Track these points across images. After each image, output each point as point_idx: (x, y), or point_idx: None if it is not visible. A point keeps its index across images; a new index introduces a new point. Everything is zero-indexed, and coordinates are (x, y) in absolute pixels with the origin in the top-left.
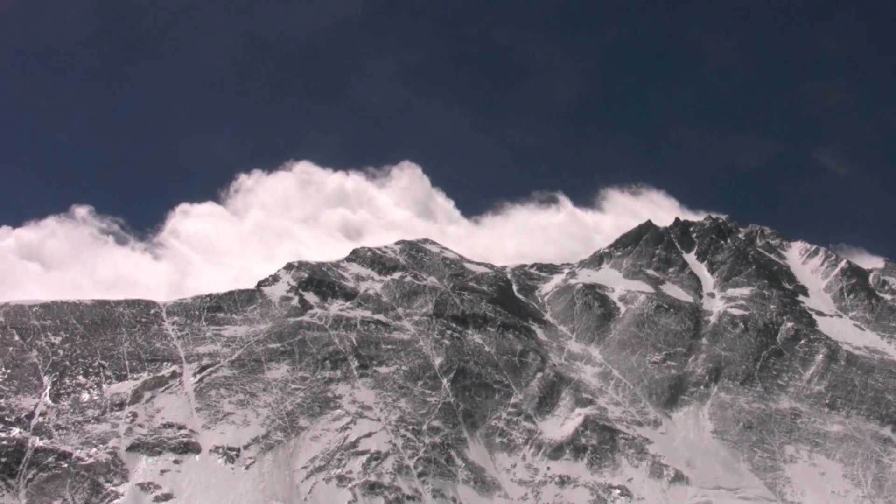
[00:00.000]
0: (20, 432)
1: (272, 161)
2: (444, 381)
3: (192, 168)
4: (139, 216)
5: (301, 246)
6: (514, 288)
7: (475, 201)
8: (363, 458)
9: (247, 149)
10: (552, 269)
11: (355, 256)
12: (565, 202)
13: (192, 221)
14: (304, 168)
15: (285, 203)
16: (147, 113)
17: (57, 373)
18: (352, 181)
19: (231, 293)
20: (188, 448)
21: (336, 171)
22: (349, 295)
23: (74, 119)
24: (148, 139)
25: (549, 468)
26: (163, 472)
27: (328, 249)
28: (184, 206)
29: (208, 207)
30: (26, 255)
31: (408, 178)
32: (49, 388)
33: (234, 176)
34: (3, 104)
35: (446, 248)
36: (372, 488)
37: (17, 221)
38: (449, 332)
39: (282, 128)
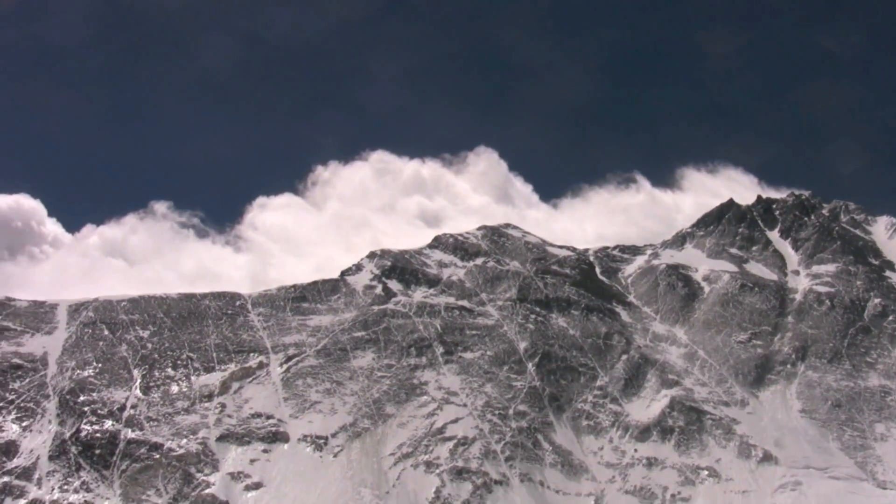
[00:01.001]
0: (113, 425)
1: (348, 152)
2: (530, 365)
3: (268, 162)
4: (217, 210)
5: (380, 234)
6: (597, 270)
7: (553, 185)
8: (450, 444)
9: (322, 141)
10: (634, 250)
11: (437, 243)
12: (643, 183)
13: (270, 214)
14: (379, 157)
15: (363, 192)
16: (221, 108)
17: (146, 366)
18: (428, 168)
19: (315, 283)
20: (277, 437)
21: (412, 158)
22: (432, 282)
23: (149, 118)
24: (222, 134)
25: (636, 450)
26: (252, 461)
27: (407, 237)
28: (261, 200)
29: (286, 199)
30: (110, 251)
31: (485, 163)
32: (139, 380)
33: (311, 168)
34: (82, 107)
35: (528, 233)
36: (459, 474)
37: (99, 219)
38: (533, 316)
39: (355, 119)
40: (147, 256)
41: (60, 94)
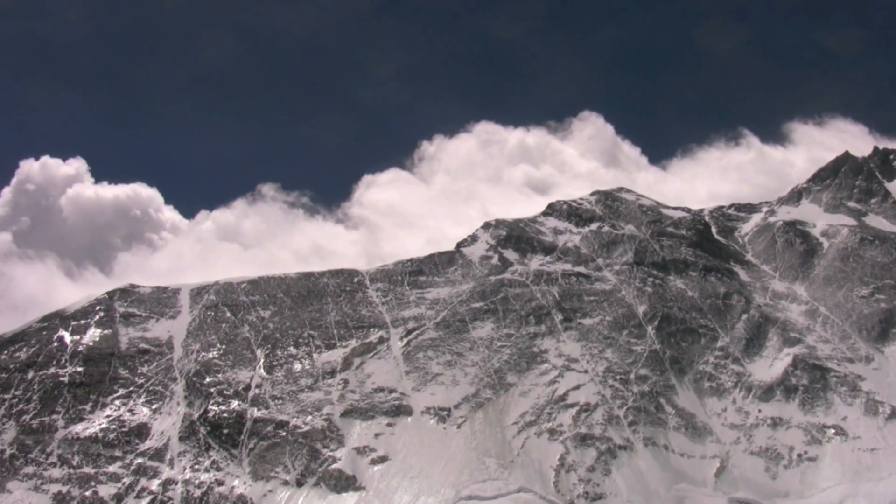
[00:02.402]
0: (239, 405)
1: (452, 126)
2: (649, 328)
3: (372, 140)
4: (324, 189)
5: (489, 205)
6: (713, 230)
7: (661, 146)
8: (573, 411)
9: (425, 117)
10: (750, 208)
11: (551, 210)
12: (752, 139)
13: (378, 190)
14: (483, 128)
15: (469, 164)
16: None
17: (269, 345)
18: (533, 137)
19: (431, 256)
20: (400, 411)
21: (516, 127)
22: (548, 249)
23: (250, 107)
24: (324, 115)
25: (760, 410)
26: (377, 435)
27: (516, 206)
28: (367, 178)
29: (392, 174)
30: (224, 235)
31: (591, 128)
32: (262, 360)
33: (416, 144)
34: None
35: (641, 196)
36: (583, 440)
37: (211, 205)
38: (650, 279)
39: (458, 92)
40: (260, 238)
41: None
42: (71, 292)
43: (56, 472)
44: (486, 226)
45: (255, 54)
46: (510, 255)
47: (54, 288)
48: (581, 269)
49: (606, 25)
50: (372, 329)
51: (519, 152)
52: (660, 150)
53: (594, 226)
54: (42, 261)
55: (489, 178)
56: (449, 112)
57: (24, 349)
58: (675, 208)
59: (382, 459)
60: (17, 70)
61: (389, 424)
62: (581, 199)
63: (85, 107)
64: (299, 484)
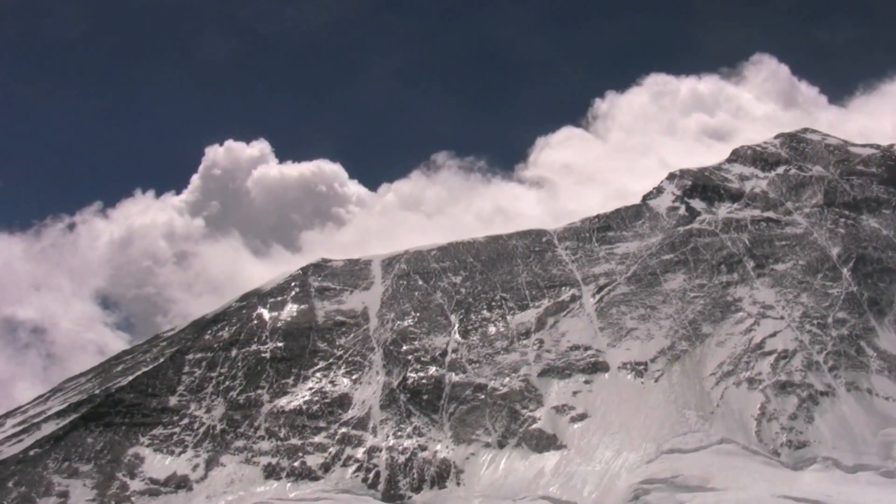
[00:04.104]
0: (436, 370)
1: (623, 80)
2: (844, 270)
3: (544, 100)
4: (498, 153)
5: (668, 156)
6: None
7: (840, 84)
8: (771, 359)
9: (597, 72)
10: None
11: (736, 156)
12: None
13: (553, 150)
14: (654, 80)
15: (643, 117)
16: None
17: (462, 310)
18: (705, 84)
19: (618, 211)
20: (597, 367)
21: (688, 76)
22: (735, 196)
23: (419, 74)
24: (491, 79)
25: None
26: (575, 393)
27: (696, 156)
28: (540, 141)
29: (566, 133)
30: (406, 206)
31: (765, 70)
32: (457, 325)
33: (588, 102)
34: (359, 73)
35: (827, 135)
36: (783, 388)
37: (390, 177)
38: (842, 220)
39: (626, 45)
40: (441, 205)
41: (352, 68)
42: (260, 271)
43: (265, 445)
44: (671, 176)
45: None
46: (697, 204)
47: (244, 268)
48: (770, 214)
49: None
50: (563, 287)
51: (692, 101)
52: (839, 88)
53: (781, 169)
54: (232, 242)
55: (664, 129)
56: (619, 67)
57: (226, 328)
58: (863, 145)
59: (582, 417)
60: (200, 61)
61: (587, 382)
62: (765, 142)
63: (266, 91)
64: (501, 445)
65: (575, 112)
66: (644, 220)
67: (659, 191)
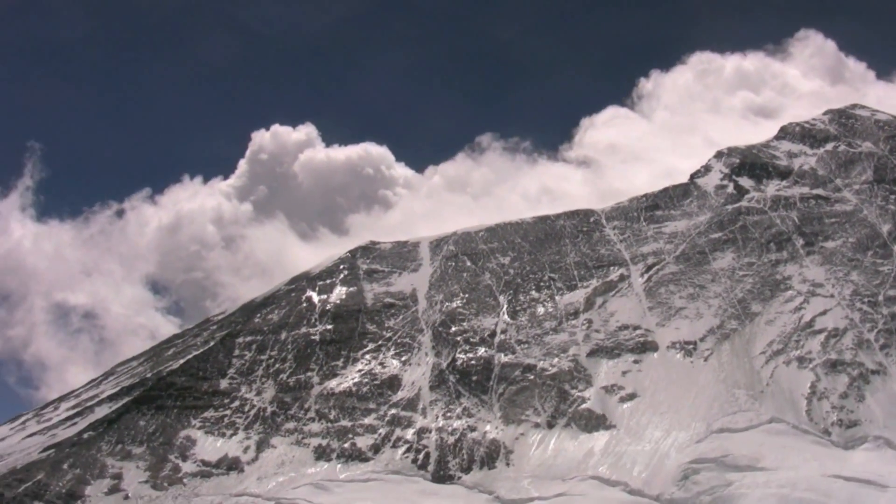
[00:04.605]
0: (485, 351)
1: (667, 59)
2: (895, 247)
3: (588, 80)
4: (542, 133)
5: (715, 134)
6: None
7: (889, 59)
8: (821, 337)
9: (641, 51)
10: None
11: (784, 133)
12: None
13: (598, 130)
14: (699, 58)
15: (688, 95)
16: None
17: (511, 291)
18: (750, 61)
19: (666, 190)
20: (646, 347)
21: (732, 53)
22: (783, 174)
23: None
24: (532, 61)
25: None
26: (624, 373)
27: (742, 133)
28: (584, 121)
29: (611, 112)
30: (452, 188)
31: (811, 46)
32: (505, 306)
33: (634, 82)
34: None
35: (877, 111)
36: (834, 366)
37: (436, 160)
38: (892, 196)
39: (669, 24)
40: (487, 187)
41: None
42: (307, 254)
43: (315, 427)
44: (719, 154)
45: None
46: (745, 182)
47: (291, 251)
48: (819, 191)
49: None
50: (612, 267)
51: (737, 78)
52: (888, 63)
53: (829, 146)
54: (278, 226)
55: (709, 107)
56: (663, 46)
57: (276, 311)
58: None
59: (631, 397)
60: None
61: (636, 361)
62: (813, 119)
63: (309, 75)
64: (550, 426)
65: (619, 92)
66: (692, 199)
67: (707, 169)
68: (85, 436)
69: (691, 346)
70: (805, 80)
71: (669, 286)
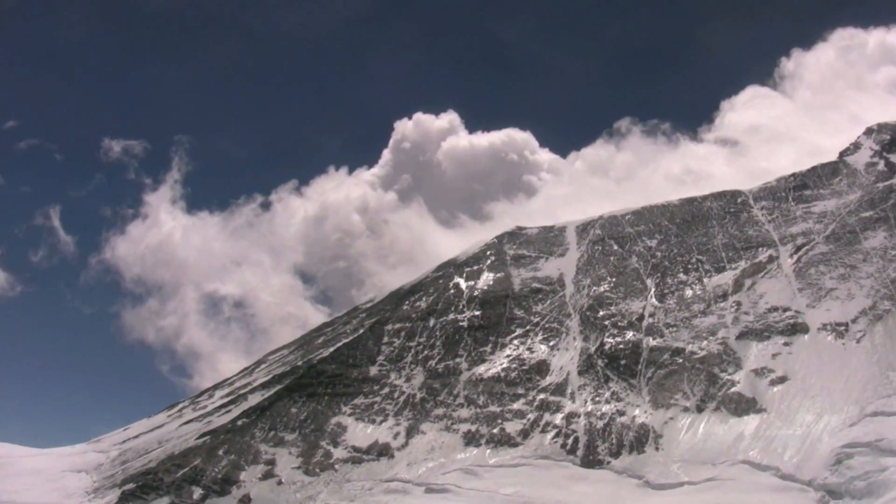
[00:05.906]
0: (634, 335)
1: (809, 36)
2: None
3: (726, 61)
4: (681, 115)
5: (860, 111)
6: None
7: None
8: None
9: (781, 30)
10: None
11: None
12: None
13: (739, 110)
14: (840, 35)
15: (831, 73)
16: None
17: (658, 274)
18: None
19: (814, 169)
20: (796, 329)
21: (876, 27)
22: None
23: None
24: (669, 42)
25: None
26: (774, 355)
27: (889, 109)
28: (724, 104)
29: (750, 93)
30: (594, 172)
31: None
32: (653, 289)
33: (775, 63)
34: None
35: None
36: None
37: (578, 146)
38: None
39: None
40: (630, 170)
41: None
42: (450, 241)
43: (464, 412)
44: (868, 131)
45: None
46: None
47: (434, 239)
48: None
49: None
50: (760, 248)
51: (881, 54)
52: None
53: None
54: (422, 213)
55: (853, 84)
56: (804, 23)
57: (424, 298)
58: None
59: (781, 380)
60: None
61: (786, 344)
62: None
63: (452, 62)
64: (699, 409)
65: (760, 72)
66: (841, 177)
67: (856, 146)
68: (239, 423)
69: (843, 328)
70: None
71: (820, 267)
